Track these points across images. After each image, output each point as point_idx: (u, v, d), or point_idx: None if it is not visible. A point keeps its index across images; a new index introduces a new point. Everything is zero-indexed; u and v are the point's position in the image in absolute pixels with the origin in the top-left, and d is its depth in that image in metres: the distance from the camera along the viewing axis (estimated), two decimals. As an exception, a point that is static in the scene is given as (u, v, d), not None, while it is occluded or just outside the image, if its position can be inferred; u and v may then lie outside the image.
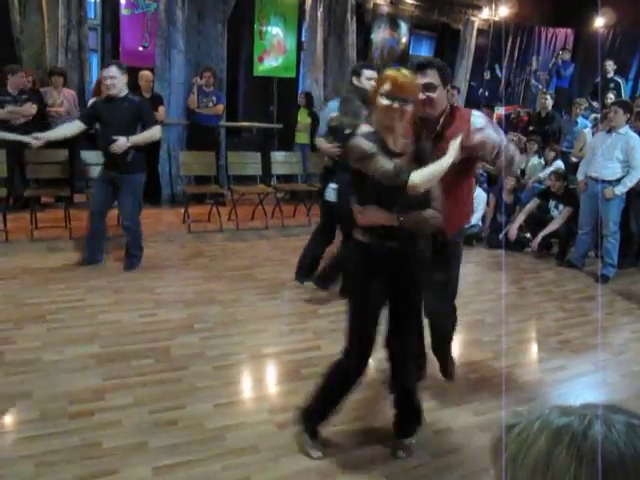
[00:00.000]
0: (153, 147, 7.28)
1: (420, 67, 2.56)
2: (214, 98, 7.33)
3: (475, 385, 3.24)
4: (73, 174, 6.20)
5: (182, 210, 6.48)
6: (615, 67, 8.90)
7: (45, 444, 2.47)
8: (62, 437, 2.53)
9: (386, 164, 2.19)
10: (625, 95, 8.71)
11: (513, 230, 6.05)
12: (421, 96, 2.48)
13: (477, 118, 2.63)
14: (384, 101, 2.21)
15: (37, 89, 6.52)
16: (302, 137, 7.96)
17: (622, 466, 0.60)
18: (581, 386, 3.33)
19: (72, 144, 6.00)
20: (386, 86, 2.21)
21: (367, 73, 4.41)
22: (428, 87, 2.52)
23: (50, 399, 2.82)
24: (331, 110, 4.42)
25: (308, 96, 8.08)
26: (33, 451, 2.42)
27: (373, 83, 4.46)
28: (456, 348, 3.90)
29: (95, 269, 4.70)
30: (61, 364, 3.18)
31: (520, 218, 6.12)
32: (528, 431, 0.66)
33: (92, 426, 2.62)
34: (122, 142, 4.44)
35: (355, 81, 4.41)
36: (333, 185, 4.22)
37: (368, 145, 2.23)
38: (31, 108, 6.09)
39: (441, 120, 2.61)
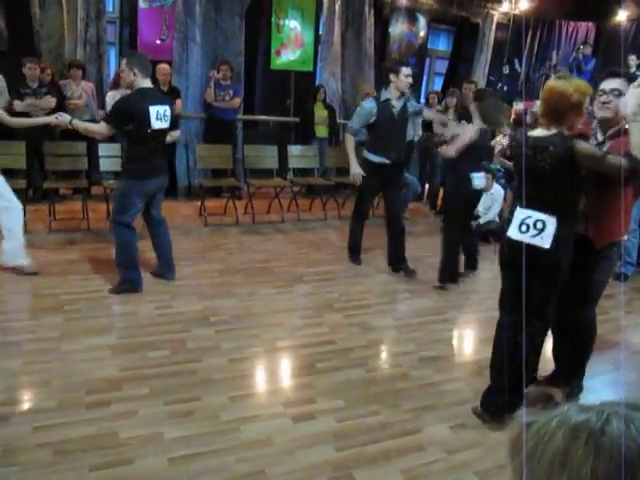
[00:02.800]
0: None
1: (614, 74, 2.77)
2: (231, 91, 7.34)
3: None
4: (91, 166, 6.24)
5: (198, 203, 6.50)
6: (638, 62, 8.75)
7: (62, 433, 2.50)
8: (79, 426, 2.55)
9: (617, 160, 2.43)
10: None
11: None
12: (604, 98, 2.72)
13: None
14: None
15: (56, 82, 6.57)
16: (321, 130, 7.93)
17: None
18: (600, 385, 3.28)
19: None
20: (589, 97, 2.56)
21: (405, 71, 4.59)
22: (613, 91, 2.70)
23: (67, 389, 2.85)
24: (369, 110, 4.69)
25: (321, 88, 8.05)
26: (50, 439, 2.44)
27: (410, 80, 4.69)
28: (472, 344, 3.89)
29: (112, 261, 4.73)
30: (78, 354, 3.21)
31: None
32: (546, 428, 0.66)
33: (108, 416, 2.65)
34: (64, 118, 4.13)
35: (393, 78, 4.62)
36: (478, 174, 4.54)
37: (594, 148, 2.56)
38: (50, 101, 6.14)
39: (610, 131, 2.73)
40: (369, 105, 4.72)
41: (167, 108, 4.01)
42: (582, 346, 3.06)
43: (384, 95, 4.74)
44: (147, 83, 3.97)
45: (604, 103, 2.70)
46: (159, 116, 3.95)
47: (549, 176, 2.55)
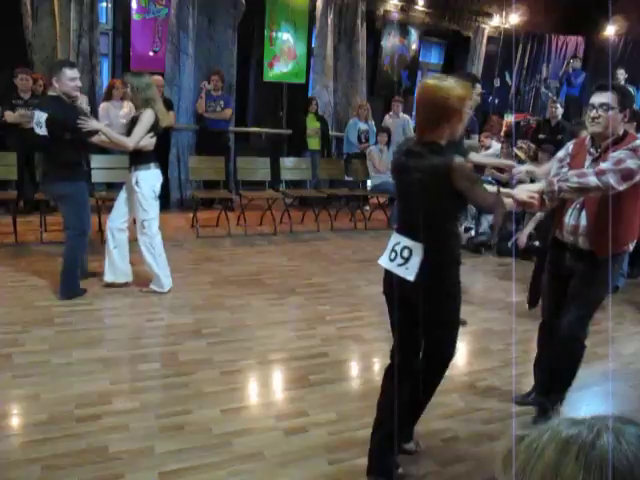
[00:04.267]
0: (163, 152, 7.34)
1: (602, 88, 2.64)
2: (222, 102, 7.36)
3: (483, 393, 3.21)
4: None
5: (191, 215, 6.50)
6: (626, 76, 8.87)
7: (52, 447, 2.47)
8: (69, 440, 2.53)
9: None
10: (636, 104, 8.67)
11: (523, 238, 6.00)
12: (593, 113, 2.61)
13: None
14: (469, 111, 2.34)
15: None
16: (314, 143, 7.97)
17: (631, 477, 0.59)
18: (590, 396, 3.29)
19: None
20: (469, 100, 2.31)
21: (478, 88, 3.99)
22: (602, 105, 2.60)
23: (57, 402, 2.82)
24: None
25: (313, 101, 8.10)
26: (40, 454, 2.42)
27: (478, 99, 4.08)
28: (465, 356, 3.89)
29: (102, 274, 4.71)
30: (69, 367, 3.19)
31: (530, 226, 6.08)
32: (537, 442, 0.66)
33: (99, 430, 2.62)
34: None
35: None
36: None
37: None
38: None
39: (602, 144, 2.66)
40: None
41: (41, 115, 4.02)
42: (565, 364, 2.89)
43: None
44: (52, 91, 4.14)
45: (594, 118, 2.61)
46: (36, 122, 4.03)
47: (418, 194, 2.22)
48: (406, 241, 2.27)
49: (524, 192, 2.44)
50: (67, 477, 2.30)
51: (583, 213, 2.69)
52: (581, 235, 2.70)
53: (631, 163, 2.47)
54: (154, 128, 4.27)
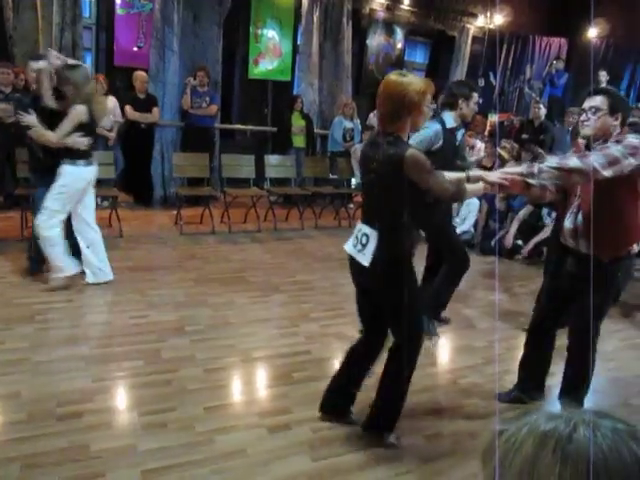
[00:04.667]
0: (147, 148, 7.29)
1: (594, 92, 2.64)
2: (207, 99, 7.32)
3: (466, 391, 3.23)
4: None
5: (174, 212, 6.46)
6: (607, 77, 8.98)
7: (32, 446, 2.44)
8: (49, 439, 2.50)
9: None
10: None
11: (509, 238, 6.07)
12: (583, 117, 2.62)
13: (631, 137, 2.58)
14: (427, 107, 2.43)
15: (30, 87, 6.47)
16: (299, 140, 7.96)
17: (606, 469, 0.61)
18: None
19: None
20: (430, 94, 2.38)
21: (476, 97, 3.89)
22: (591, 109, 2.59)
23: (38, 400, 2.79)
24: (436, 132, 3.72)
25: (299, 98, 8.09)
26: (19, 453, 2.39)
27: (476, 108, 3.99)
28: (447, 354, 3.91)
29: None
30: (50, 365, 3.15)
31: (514, 226, 6.15)
32: (516, 436, 0.67)
33: (80, 428, 2.59)
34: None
35: (462, 104, 3.81)
36: None
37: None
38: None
39: (595, 145, 2.62)
40: (436, 127, 3.75)
41: None
42: (579, 371, 2.84)
43: (435, 121, 3.84)
44: None
45: (583, 122, 2.62)
46: None
47: (376, 182, 2.37)
48: (365, 228, 2.41)
49: (495, 173, 2.48)
50: (47, 476, 2.28)
51: (579, 215, 2.66)
52: (580, 238, 2.66)
53: (615, 150, 2.45)
54: (86, 127, 4.07)
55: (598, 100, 2.58)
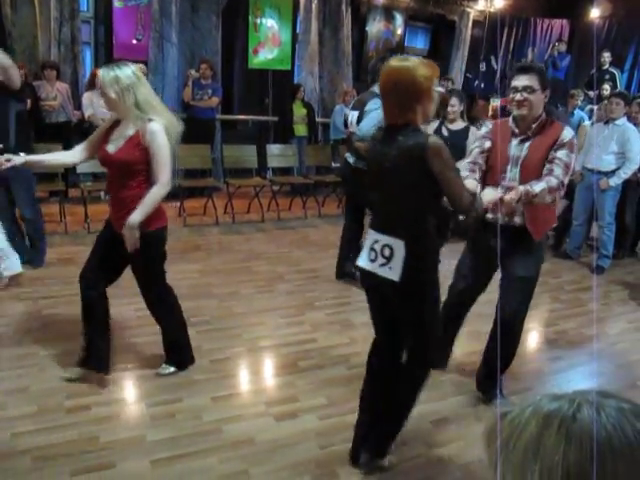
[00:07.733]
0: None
1: (523, 70, 2.61)
2: (210, 91, 7.30)
3: (472, 375, 3.24)
4: (68, 169, 6.15)
5: (177, 203, 6.46)
6: (611, 58, 8.90)
7: (42, 439, 2.47)
8: (59, 431, 2.53)
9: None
10: (621, 86, 8.71)
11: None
12: (518, 97, 2.58)
13: (568, 133, 2.63)
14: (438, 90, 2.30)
15: (30, 83, 6.47)
16: (300, 129, 7.93)
17: (610, 448, 0.61)
18: (577, 376, 3.34)
19: (67, 138, 5.98)
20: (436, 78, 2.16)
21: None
22: (526, 88, 2.57)
23: (47, 393, 2.82)
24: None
25: (300, 87, 8.06)
26: (31, 445, 2.42)
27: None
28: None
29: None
30: (57, 358, 3.17)
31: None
32: (520, 417, 0.68)
33: (89, 420, 2.62)
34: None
35: None
36: None
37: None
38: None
39: (533, 126, 2.63)
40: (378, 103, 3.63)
41: None
42: (503, 349, 2.87)
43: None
44: None
45: (519, 102, 2.56)
46: None
47: (393, 182, 2.08)
48: (384, 238, 2.11)
49: (488, 196, 2.45)
50: (58, 467, 2.30)
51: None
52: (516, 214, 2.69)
53: (568, 159, 2.58)
54: None
55: (532, 79, 2.55)
